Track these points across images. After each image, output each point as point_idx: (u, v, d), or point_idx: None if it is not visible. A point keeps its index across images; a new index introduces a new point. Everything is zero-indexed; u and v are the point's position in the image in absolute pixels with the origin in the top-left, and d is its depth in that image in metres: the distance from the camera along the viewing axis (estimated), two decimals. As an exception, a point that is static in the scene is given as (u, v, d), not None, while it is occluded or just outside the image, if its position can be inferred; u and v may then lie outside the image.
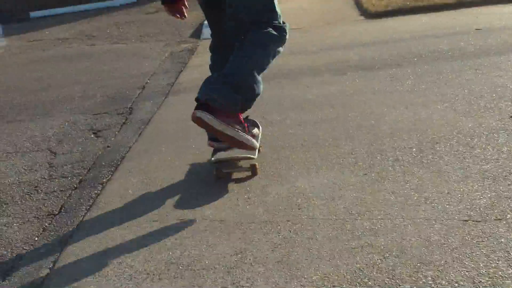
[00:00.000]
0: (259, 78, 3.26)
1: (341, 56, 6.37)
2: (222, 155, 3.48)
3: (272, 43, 3.32)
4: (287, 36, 3.44)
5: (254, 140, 3.29)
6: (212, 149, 3.59)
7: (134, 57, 7.79)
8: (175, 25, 9.73)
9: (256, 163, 3.52)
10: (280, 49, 3.41)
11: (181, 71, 6.70)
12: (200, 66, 6.73)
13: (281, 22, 3.39)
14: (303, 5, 11.01)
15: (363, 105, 4.62)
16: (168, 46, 8.33)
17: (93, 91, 6.20)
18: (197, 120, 3.09)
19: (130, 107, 5.49)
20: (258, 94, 3.27)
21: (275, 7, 3.34)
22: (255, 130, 3.63)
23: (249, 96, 3.24)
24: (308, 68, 6.01)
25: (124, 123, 5.03)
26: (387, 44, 6.71)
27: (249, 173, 3.51)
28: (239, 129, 3.18)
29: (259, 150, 3.51)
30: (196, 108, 3.08)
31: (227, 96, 3.11)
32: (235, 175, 3.58)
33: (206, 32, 8.69)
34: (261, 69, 3.28)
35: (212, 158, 3.52)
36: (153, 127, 4.79)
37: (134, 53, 8.04)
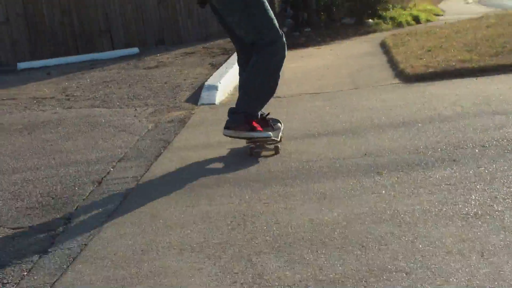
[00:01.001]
0: (258, 101, 4.71)
1: (373, 143, 4.67)
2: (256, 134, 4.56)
3: (265, 70, 4.56)
4: (282, 45, 4.54)
5: (263, 134, 4.60)
6: None
7: (110, 128, 6.16)
8: (173, 84, 8.13)
9: (279, 145, 4.62)
10: (279, 60, 4.60)
11: (159, 155, 5.03)
12: (184, 148, 5.10)
13: (274, 35, 4.49)
14: (328, 62, 9.38)
15: (409, 243, 2.88)
16: (156, 113, 6.70)
17: (32, 185, 4.54)
18: (225, 135, 4.72)
19: (68, 219, 3.81)
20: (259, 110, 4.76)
21: (261, 25, 4.44)
22: (278, 125, 4.86)
23: (253, 114, 4.67)
24: (327, 163, 4.30)
25: (45, 253, 3.33)
26: (433, 123, 5.03)
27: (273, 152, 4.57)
28: (250, 131, 4.56)
29: (280, 139, 4.73)
30: (224, 128, 4.66)
31: (235, 121, 4.60)
32: (263, 153, 4.60)
33: (205, 96, 7.08)
34: (260, 95, 4.69)
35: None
36: (75, 272, 3.05)
37: (112, 122, 6.41)
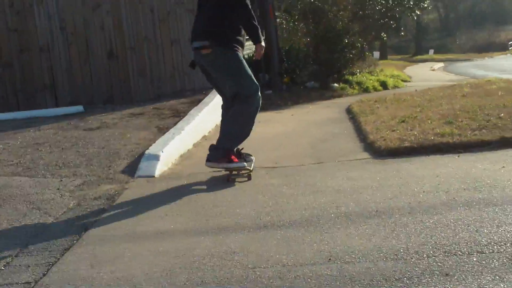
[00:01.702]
0: (236, 140, 5.71)
1: (340, 242, 3.68)
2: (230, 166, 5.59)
3: (243, 117, 5.62)
4: (258, 97, 5.65)
5: (239, 164, 5.61)
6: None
7: (23, 205, 5.09)
8: (111, 150, 7.07)
9: (250, 173, 5.62)
10: (255, 110, 5.66)
11: (69, 248, 3.94)
12: (101, 240, 4.02)
13: (252, 90, 5.59)
14: (288, 129, 8.43)
15: None
16: (83, 186, 5.65)
17: None
18: (208, 166, 5.70)
19: None
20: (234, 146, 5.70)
21: (242, 81, 5.56)
22: (250, 157, 5.78)
23: (230, 149, 5.63)
24: (280, 271, 3.27)
25: None
26: (414, 214, 4.12)
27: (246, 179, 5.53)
28: (228, 163, 5.55)
29: (251, 170, 5.67)
30: (206, 160, 5.68)
31: (216, 155, 5.60)
32: (238, 180, 5.52)
33: (144, 167, 6.04)
34: (238, 135, 5.70)
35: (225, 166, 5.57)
36: None
37: (29, 196, 5.35)
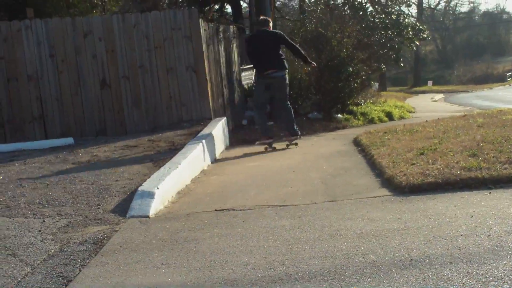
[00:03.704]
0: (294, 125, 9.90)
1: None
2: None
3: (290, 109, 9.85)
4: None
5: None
6: None
7: (-4, 252, 4.38)
8: (100, 186, 6.40)
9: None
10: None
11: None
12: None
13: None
14: (294, 162, 7.77)
15: None
16: (68, 228, 4.99)
17: None
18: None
19: None
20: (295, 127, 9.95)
21: (287, 92, 9.76)
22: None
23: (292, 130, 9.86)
24: None
25: None
26: (456, 264, 3.48)
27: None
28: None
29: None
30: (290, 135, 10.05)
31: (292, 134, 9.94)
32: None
33: (137, 206, 5.38)
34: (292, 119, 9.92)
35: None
36: None
37: (6, 240, 4.72)
